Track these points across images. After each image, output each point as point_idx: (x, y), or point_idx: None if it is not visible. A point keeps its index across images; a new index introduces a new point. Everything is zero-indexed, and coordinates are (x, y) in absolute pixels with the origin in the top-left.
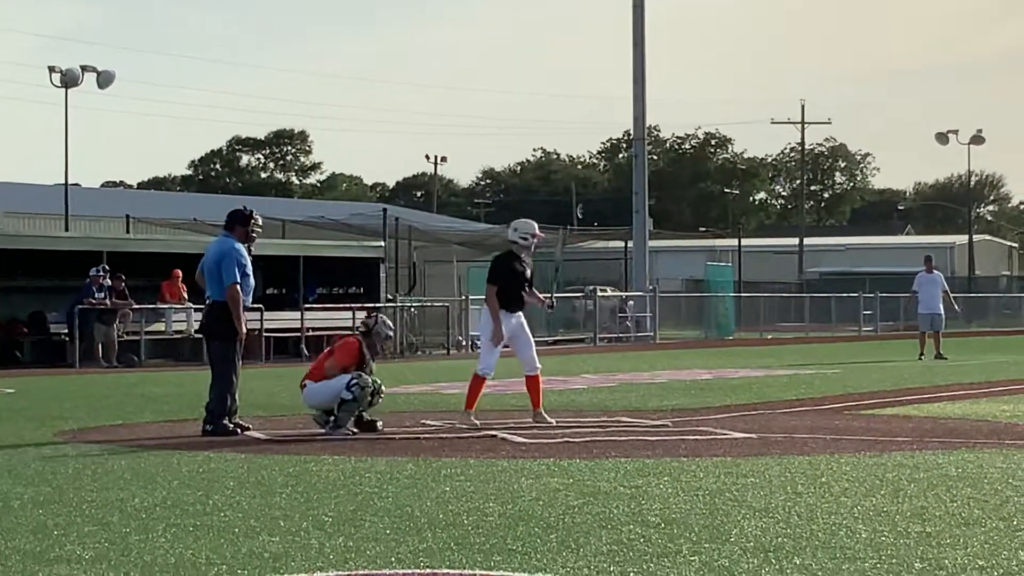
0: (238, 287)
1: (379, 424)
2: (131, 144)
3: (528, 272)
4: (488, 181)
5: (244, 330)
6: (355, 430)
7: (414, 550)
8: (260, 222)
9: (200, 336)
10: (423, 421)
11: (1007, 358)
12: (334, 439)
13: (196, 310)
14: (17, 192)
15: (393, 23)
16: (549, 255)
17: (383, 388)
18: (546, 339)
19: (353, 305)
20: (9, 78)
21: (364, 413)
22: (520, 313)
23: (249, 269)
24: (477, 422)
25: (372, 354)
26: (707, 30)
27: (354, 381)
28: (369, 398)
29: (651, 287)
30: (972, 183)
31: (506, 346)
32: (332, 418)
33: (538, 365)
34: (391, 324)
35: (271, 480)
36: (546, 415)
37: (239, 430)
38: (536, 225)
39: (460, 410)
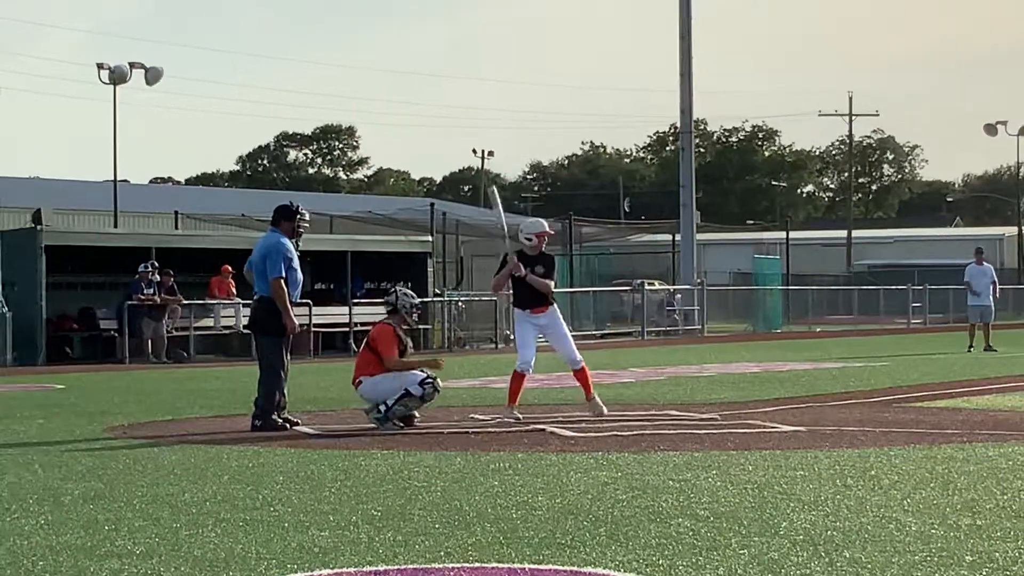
0: (282, 281)
1: (416, 417)
2: (179, 140)
3: (539, 269)
4: (535, 175)
5: (294, 324)
6: (401, 423)
7: (463, 544)
8: (307, 217)
9: (248, 332)
10: (472, 415)
11: None
12: (383, 432)
13: (244, 305)
14: (67, 189)
15: (441, 16)
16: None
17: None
18: (594, 332)
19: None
20: (59, 75)
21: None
22: (549, 310)
23: (296, 263)
24: (520, 415)
25: (405, 329)
26: (754, 21)
27: (429, 381)
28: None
29: (699, 280)
30: (1021, 174)
31: (540, 337)
32: (383, 407)
33: (579, 358)
34: (411, 292)
35: (320, 474)
36: (600, 403)
37: (288, 425)
38: (545, 224)
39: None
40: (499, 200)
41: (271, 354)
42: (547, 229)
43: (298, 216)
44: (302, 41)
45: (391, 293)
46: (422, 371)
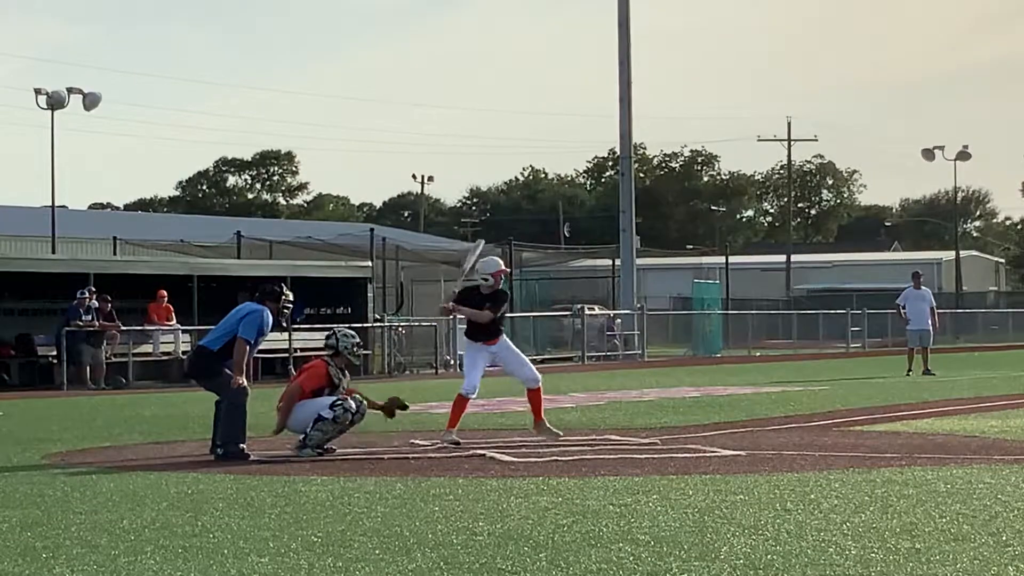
0: (248, 345)
1: (335, 448)
2: (118, 166)
3: (493, 306)
4: (475, 200)
5: (241, 382)
6: (320, 450)
7: (403, 570)
8: (291, 297)
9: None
10: (412, 440)
11: (995, 374)
12: (324, 458)
13: (183, 331)
14: (4, 214)
15: (380, 43)
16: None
17: (365, 408)
18: (534, 357)
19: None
20: None
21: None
22: (500, 340)
23: (262, 338)
24: (459, 440)
25: (346, 372)
26: (693, 47)
27: (338, 402)
28: (350, 420)
29: (639, 305)
30: (958, 199)
31: (494, 365)
32: (303, 436)
33: (538, 377)
34: (351, 332)
35: (260, 501)
36: (550, 426)
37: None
38: (499, 262)
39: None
40: (478, 253)
41: (232, 391)
42: (502, 267)
43: (283, 297)
44: (241, 67)
45: (330, 336)
46: (352, 397)
